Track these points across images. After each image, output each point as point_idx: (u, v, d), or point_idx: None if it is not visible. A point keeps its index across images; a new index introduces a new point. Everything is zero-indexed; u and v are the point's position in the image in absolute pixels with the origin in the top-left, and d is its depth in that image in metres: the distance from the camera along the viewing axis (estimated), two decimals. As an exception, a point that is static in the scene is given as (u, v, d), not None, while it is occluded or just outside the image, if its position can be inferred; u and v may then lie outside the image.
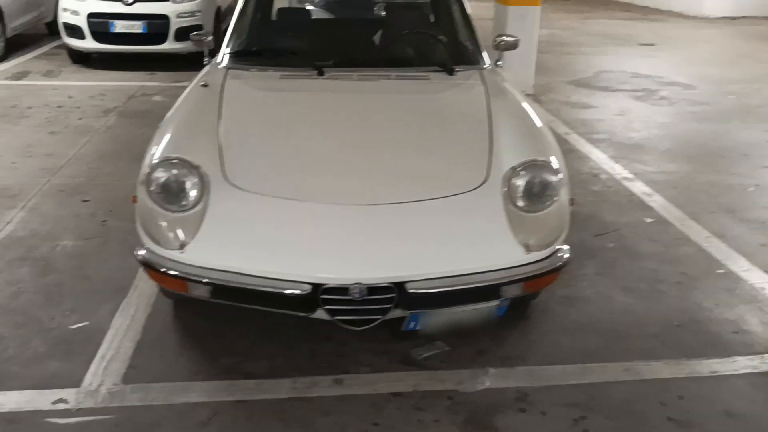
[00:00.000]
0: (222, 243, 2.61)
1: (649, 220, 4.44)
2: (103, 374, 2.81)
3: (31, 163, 5.18)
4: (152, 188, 2.74)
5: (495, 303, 2.71)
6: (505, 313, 2.88)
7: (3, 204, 4.42)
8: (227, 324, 3.15)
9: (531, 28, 7.39)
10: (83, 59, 8.66)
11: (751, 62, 9.85)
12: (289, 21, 4.46)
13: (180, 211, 2.70)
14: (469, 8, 4.32)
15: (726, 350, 3.08)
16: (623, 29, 12.94)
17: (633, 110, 7.11)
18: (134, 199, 2.84)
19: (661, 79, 8.62)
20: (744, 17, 14.64)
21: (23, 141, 5.66)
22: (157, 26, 8.22)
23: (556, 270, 2.71)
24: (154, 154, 2.86)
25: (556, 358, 3.00)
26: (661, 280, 3.68)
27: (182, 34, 8.12)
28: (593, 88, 8.06)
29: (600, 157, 5.61)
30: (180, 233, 2.64)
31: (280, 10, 4.55)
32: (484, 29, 8.86)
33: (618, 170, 5.31)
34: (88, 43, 8.28)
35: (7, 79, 7.87)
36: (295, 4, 6.27)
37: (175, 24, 8.24)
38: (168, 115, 3.30)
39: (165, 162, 2.79)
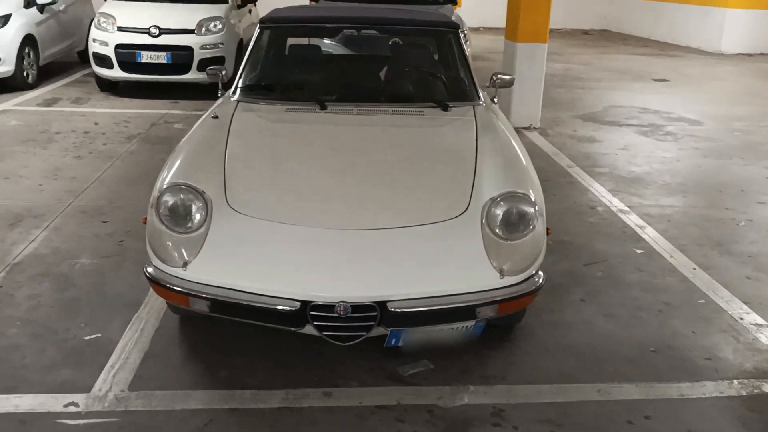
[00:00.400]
0: (221, 262, 2.86)
1: (639, 251, 4.61)
2: (111, 381, 3.06)
3: (57, 185, 5.50)
4: (161, 210, 3.01)
5: (471, 323, 2.91)
6: (482, 333, 3.08)
7: (29, 223, 4.72)
8: (228, 339, 3.39)
9: (538, 64, 7.62)
10: (111, 87, 9.07)
11: (761, 100, 10.00)
12: (299, 57, 4.76)
13: (185, 233, 2.96)
14: (467, 49, 4.58)
15: (696, 375, 3.25)
16: (639, 65, 13.15)
17: (637, 145, 7.30)
18: (144, 221, 3.11)
19: (669, 114, 8.80)
20: (761, 54, 14.80)
21: (50, 164, 6.00)
22: (181, 57, 8.60)
23: (528, 294, 2.92)
24: (164, 180, 3.14)
25: (534, 378, 3.18)
26: (643, 308, 3.85)
27: (205, 64, 8.48)
28: (601, 123, 8.26)
29: (599, 190, 5.80)
30: (183, 252, 2.90)
31: (292, 46, 4.84)
32: (496, 62, 9.09)
33: (615, 203, 5.50)
34: (116, 73, 8.68)
35: (38, 105, 8.28)
36: (315, 41, 6.56)
37: (198, 55, 8.62)
38: (180, 143, 3.59)
39: (174, 187, 3.06)
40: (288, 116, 3.92)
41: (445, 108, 3.96)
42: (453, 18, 8.60)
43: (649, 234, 4.89)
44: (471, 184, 3.16)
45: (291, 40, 4.95)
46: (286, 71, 4.58)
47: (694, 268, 4.36)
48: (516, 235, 2.99)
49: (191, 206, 3.00)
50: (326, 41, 6.88)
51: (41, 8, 9.41)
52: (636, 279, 4.20)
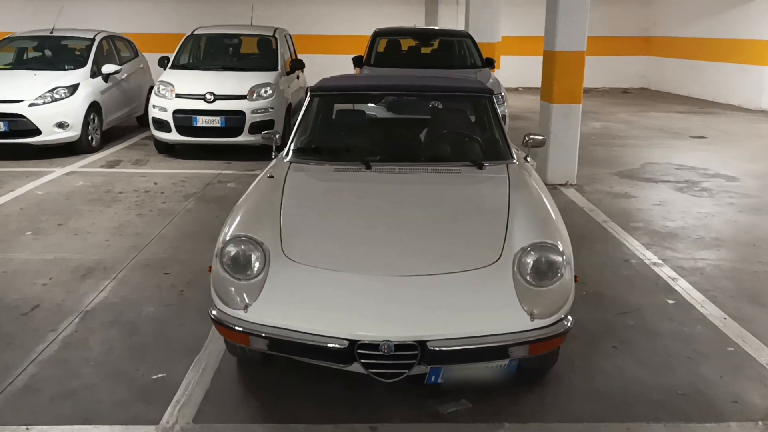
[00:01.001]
0: (278, 305, 3.19)
1: (670, 302, 4.80)
2: (177, 415, 3.37)
3: (122, 241, 5.94)
4: (224, 260, 3.36)
5: (504, 362, 3.16)
6: (516, 372, 3.32)
7: (98, 275, 5.14)
8: (281, 380, 3.69)
9: (573, 123, 7.93)
10: (168, 149, 9.66)
11: (799, 156, 10.09)
12: (345, 121, 5.16)
13: (245, 280, 3.30)
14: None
15: (723, 417, 3.42)
16: (678, 122, 13.34)
17: (673, 201, 7.49)
18: (210, 270, 3.47)
19: (706, 171, 8.97)
20: (802, 111, 14.87)
21: (115, 222, 6.47)
22: (234, 121, 9.13)
23: (557, 335, 3.16)
24: (226, 233, 3.50)
25: (566, 418, 3.39)
26: (673, 355, 4.04)
27: (256, 128, 9.04)
28: (637, 179, 8.48)
29: (634, 244, 6.00)
30: (245, 296, 3.24)
31: (339, 111, 5.26)
32: (534, 121, 9.41)
33: (649, 256, 5.69)
34: (173, 136, 9.25)
35: (102, 167, 8.88)
36: (360, 106, 7.01)
37: (250, 119, 9.14)
38: (240, 200, 3.98)
39: (235, 239, 3.42)
40: (336, 175, 4.29)
41: (480, 167, 4.29)
42: (490, 81, 9.04)
43: (682, 286, 5.07)
44: (503, 235, 3.45)
45: (338, 106, 5.36)
46: (334, 134, 4.98)
47: (725, 318, 4.53)
48: (545, 282, 3.26)
49: (251, 256, 3.35)
50: (370, 105, 7.33)
51: (106, 78, 10.13)
52: (667, 328, 4.39)
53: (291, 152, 4.56)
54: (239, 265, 3.34)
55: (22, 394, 3.55)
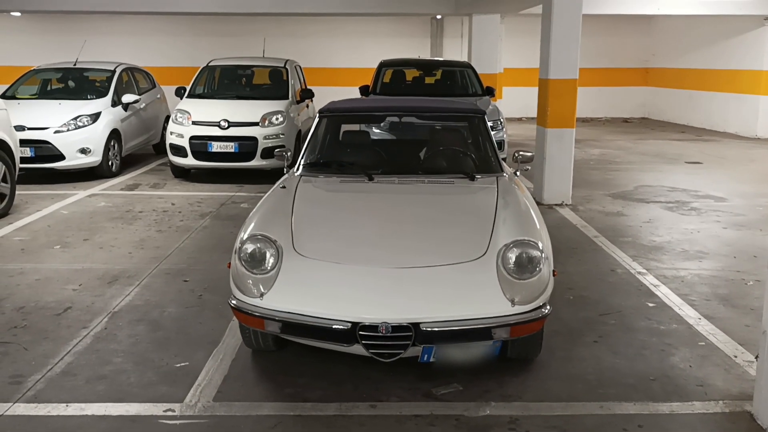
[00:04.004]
0: (289, 293, 3.63)
1: (650, 304, 5.20)
2: (199, 395, 3.79)
3: (144, 253, 6.40)
4: (242, 256, 3.81)
5: (489, 342, 3.58)
6: (499, 354, 3.73)
7: (123, 282, 5.59)
8: (292, 367, 4.11)
9: (567, 146, 8.39)
10: (184, 174, 10.17)
11: (788, 178, 10.50)
12: (351, 140, 5.64)
13: (261, 274, 3.75)
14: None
15: (687, 397, 3.81)
16: (675, 149, 13.78)
17: (661, 218, 7.90)
18: (229, 265, 3.92)
19: (697, 192, 9.38)
20: (797, 137, 15.29)
21: (137, 237, 6.94)
22: (247, 146, 9.64)
23: (535, 320, 3.58)
24: (244, 233, 3.96)
25: (546, 397, 3.79)
26: (648, 347, 4.43)
27: (268, 153, 9.54)
28: (629, 200, 8.90)
29: (621, 256, 6.41)
30: (260, 287, 3.68)
31: (345, 132, 5.75)
32: (533, 147, 9.91)
33: (634, 266, 6.10)
34: (189, 161, 9.76)
35: (122, 189, 9.38)
36: (365, 128, 7.52)
37: (262, 144, 9.65)
38: (256, 207, 4.44)
39: (252, 238, 3.88)
40: (342, 186, 4.76)
41: (473, 178, 4.74)
42: (490, 108, 9.54)
43: (662, 291, 5.47)
44: (489, 234, 3.89)
45: (344, 127, 5.85)
46: (341, 151, 5.46)
47: (699, 318, 4.92)
48: (525, 275, 3.68)
49: (266, 252, 3.80)
50: (374, 129, 7.82)
51: (125, 107, 10.69)
52: (645, 326, 4.79)
53: (301, 167, 5.03)
54: (256, 260, 3.78)
55: (61, 378, 3.98)
